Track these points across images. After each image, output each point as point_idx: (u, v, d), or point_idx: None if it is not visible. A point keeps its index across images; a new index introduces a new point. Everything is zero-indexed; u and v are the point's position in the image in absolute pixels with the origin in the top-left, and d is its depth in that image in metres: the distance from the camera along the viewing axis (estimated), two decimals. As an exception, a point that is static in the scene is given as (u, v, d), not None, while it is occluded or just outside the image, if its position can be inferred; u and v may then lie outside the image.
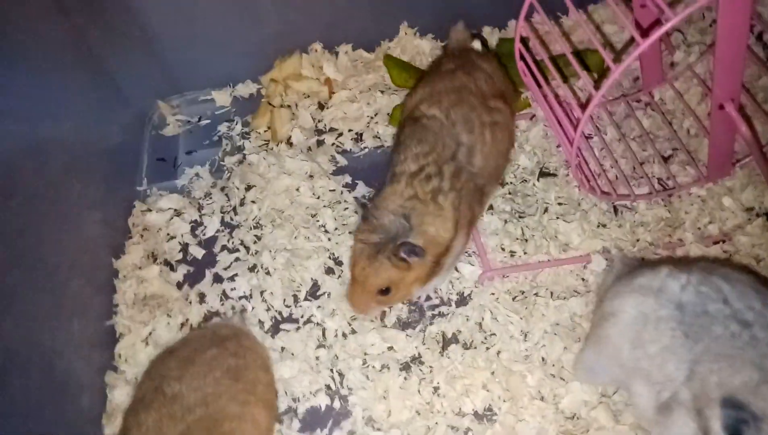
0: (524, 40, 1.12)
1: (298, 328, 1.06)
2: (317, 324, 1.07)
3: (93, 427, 1.00)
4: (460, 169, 0.97)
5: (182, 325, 1.09)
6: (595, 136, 1.18)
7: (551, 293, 1.04)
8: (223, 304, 1.11)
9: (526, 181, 1.17)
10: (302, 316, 1.08)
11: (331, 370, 1.02)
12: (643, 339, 0.80)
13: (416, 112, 1.03)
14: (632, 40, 1.23)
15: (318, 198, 1.20)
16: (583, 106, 0.92)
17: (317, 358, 1.03)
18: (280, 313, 1.09)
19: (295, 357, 1.03)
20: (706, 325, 0.76)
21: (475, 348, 1.01)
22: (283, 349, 1.04)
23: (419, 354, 1.02)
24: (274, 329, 1.07)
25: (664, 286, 0.82)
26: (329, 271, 1.12)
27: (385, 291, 0.94)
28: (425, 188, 0.94)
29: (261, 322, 1.08)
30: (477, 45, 1.24)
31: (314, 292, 1.10)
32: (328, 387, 1.01)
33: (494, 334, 1.02)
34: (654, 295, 0.82)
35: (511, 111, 1.09)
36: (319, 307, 1.08)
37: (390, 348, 1.04)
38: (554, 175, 1.16)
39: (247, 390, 0.90)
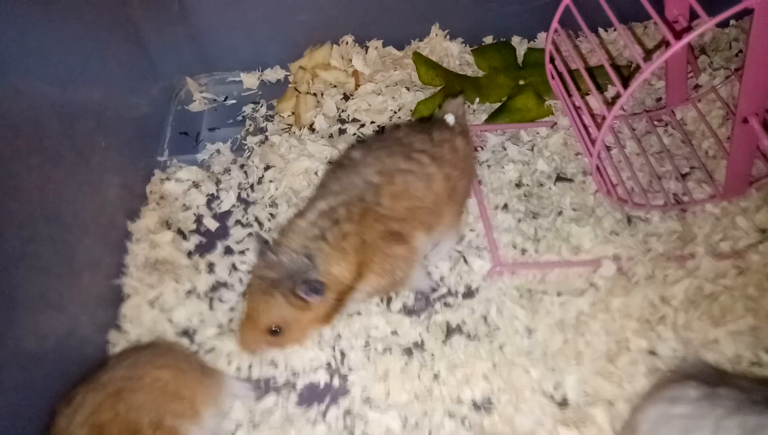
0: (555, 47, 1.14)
1: (303, 305, 1.07)
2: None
3: (91, 381, 1.00)
4: (367, 210, 0.93)
5: (189, 292, 1.10)
6: (615, 148, 1.20)
7: (558, 293, 1.04)
8: (231, 276, 1.11)
9: (542, 184, 1.18)
10: (309, 294, 1.08)
11: (333, 349, 1.02)
12: None
13: (343, 156, 1.05)
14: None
15: (335, 183, 1.22)
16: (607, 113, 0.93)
17: (320, 335, 1.03)
18: (287, 289, 1.09)
19: (299, 333, 1.03)
20: None
21: (479, 340, 1.01)
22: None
23: (422, 341, 1.02)
24: (280, 304, 1.07)
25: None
26: (340, 253, 1.13)
27: (276, 331, 0.91)
28: (331, 228, 0.90)
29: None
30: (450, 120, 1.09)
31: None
32: (328, 365, 1.01)
33: (498, 328, 1.02)
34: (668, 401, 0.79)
35: (448, 173, 1.00)
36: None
37: (394, 332, 1.03)
38: (571, 180, 1.17)
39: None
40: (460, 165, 1.02)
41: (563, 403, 0.94)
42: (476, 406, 0.95)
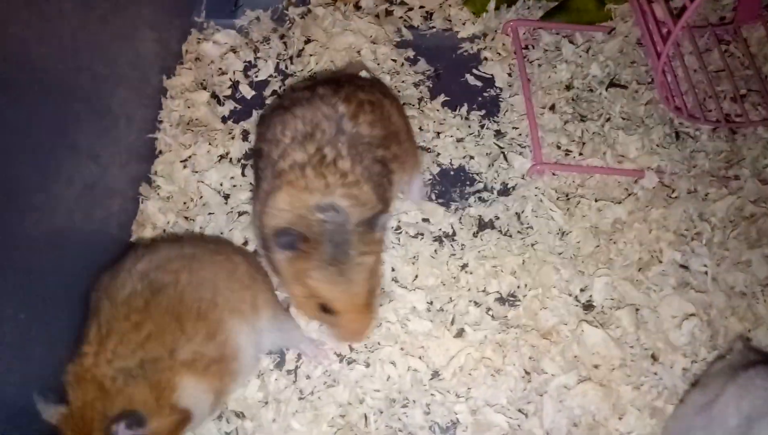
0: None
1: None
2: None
3: (121, 231, 1.00)
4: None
5: (221, 157, 1.08)
6: (675, 60, 1.14)
7: (596, 199, 1.03)
8: (267, 144, 1.09)
9: (592, 90, 1.14)
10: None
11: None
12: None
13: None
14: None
15: (378, 64, 1.17)
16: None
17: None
18: (321, 165, 1.08)
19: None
20: None
21: (511, 236, 1.01)
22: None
23: (454, 231, 1.02)
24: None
25: None
26: (377, 136, 1.10)
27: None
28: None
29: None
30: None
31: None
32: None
33: (531, 227, 1.01)
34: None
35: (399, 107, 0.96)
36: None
37: (426, 220, 1.03)
38: (624, 87, 1.13)
39: (220, 248, 0.87)
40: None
41: (588, 306, 0.95)
42: (501, 299, 0.96)
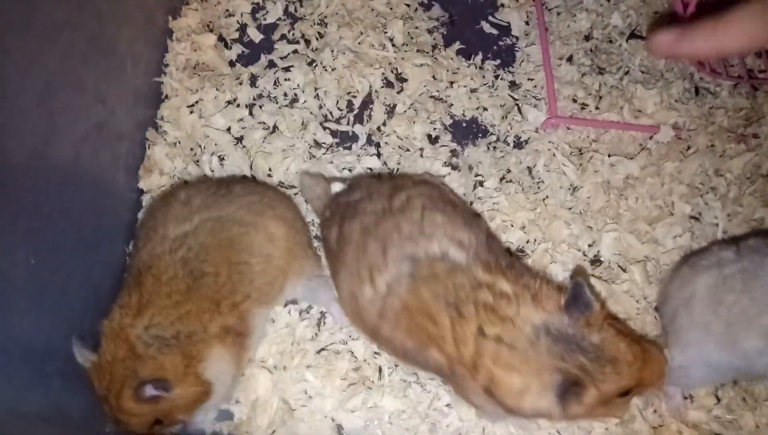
0: None
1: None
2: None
3: (128, 176, 0.99)
4: None
5: (229, 102, 1.06)
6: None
7: (609, 154, 1.01)
8: (276, 88, 1.06)
9: (612, 41, 1.10)
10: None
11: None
12: (723, 301, 0.76)
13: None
14: None
15: (391, 8, 1.13)
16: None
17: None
18: (330, 112, 1.05)
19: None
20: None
21: (523, 190, 1.00)
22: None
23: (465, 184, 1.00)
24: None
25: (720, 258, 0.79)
26: (388, 84, 1.08)
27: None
28: None
29: (312, 114, 1.04)
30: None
31: (367, 103, 1.06)
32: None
33: (543, 181, 1.00)
34: (716, 266, 0.79)
35: None
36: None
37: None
38: (645, 39, 1.09)
39: (263, 202, 0.84)
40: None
41: (596, 261, 0.95)
42: (510, 252, 0.96)
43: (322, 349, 0.89)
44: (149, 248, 0.78)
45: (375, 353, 0.89)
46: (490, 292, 0.69)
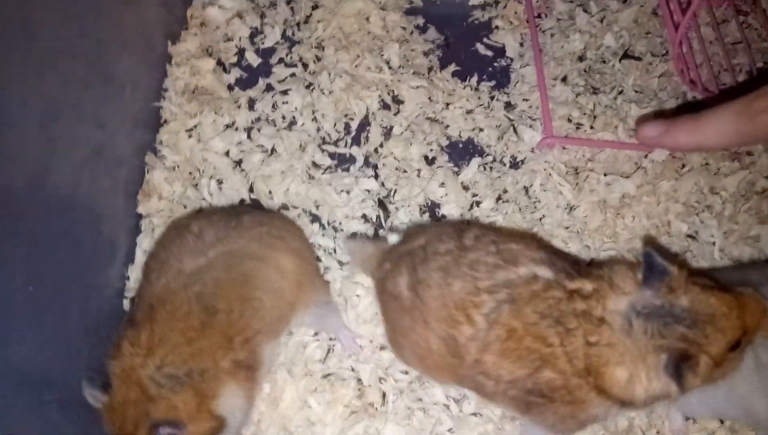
0: None
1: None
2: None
3: (127, 201, 0.99)
4: None
5: (227, 126, 1.06)
6: (691, 32, 1.12)
7: (605, 173, 1.02)
8: (274, 112, 1.07)
9: (605, 61, 1.12)
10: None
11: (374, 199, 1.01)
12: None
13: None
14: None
15: (387, 31, 1.15)
16: None
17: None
18: (328, 135, 1.06)
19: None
20: None
21: (519, 210, 1.00)
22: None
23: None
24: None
25: None
26: (385, 106, 1.09)
27: None
28: None
29: (310, 137, 1.05)
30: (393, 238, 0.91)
31: (364, 126, 1.07)
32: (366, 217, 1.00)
33: (539, 201, 1.01)
34: None
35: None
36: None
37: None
38: (638, 58, 1.11)
39: (272, 234, 0.84)
40: None
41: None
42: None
43: (329, 374, 0.89)
44: (163, 283, 0.76)
45: (381, 378, 0.88)
46: (581, 298, 0.69)
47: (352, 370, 0.90)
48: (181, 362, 0.71)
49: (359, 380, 0.89)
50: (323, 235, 0.98)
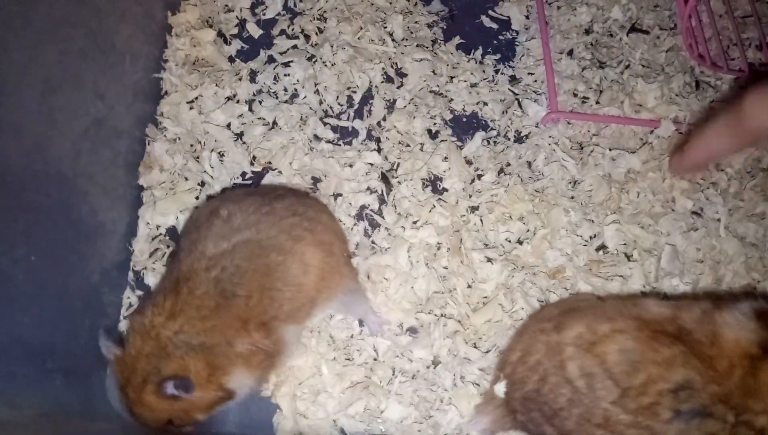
0: None
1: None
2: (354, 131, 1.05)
3: (128, 173, 0.99)
4: None
5: (228, 98, 1.05)
6: (701, 5, 1.10)
7: (610, 148, 1.01)
8: (276, 84, 1.06)
9: (612, 35, 1.10)
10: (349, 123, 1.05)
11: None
12: None
13: None
14: None
15: (391, 3, 1.13)
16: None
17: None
18: (330, 108, 1.05)
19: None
20: None
21: (522, 182, 0.99)
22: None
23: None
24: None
25: None
26: (388, 79, 1.07)
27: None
28: None
29: (311, 110, 1.04)
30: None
31: (367, 99, 1.06)
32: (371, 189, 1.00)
33: (543, 175, 1.00)
34: None
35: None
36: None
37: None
38: (646, 32, 1.09)
39: (303, 226, 0.82)
40: None
41: (602, 247, 0.94)
42: (509, 241, 0.96)
43: (348, 346, 0.90)
44: (189, 262, 0.78)
45: (396, 356, 0.89)
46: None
47: (373, 348, 0.90)
48: (194, 333, 0.73)
49: (375, 358, 0.89)
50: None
